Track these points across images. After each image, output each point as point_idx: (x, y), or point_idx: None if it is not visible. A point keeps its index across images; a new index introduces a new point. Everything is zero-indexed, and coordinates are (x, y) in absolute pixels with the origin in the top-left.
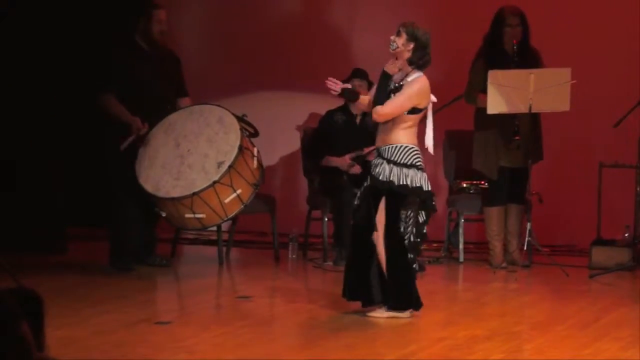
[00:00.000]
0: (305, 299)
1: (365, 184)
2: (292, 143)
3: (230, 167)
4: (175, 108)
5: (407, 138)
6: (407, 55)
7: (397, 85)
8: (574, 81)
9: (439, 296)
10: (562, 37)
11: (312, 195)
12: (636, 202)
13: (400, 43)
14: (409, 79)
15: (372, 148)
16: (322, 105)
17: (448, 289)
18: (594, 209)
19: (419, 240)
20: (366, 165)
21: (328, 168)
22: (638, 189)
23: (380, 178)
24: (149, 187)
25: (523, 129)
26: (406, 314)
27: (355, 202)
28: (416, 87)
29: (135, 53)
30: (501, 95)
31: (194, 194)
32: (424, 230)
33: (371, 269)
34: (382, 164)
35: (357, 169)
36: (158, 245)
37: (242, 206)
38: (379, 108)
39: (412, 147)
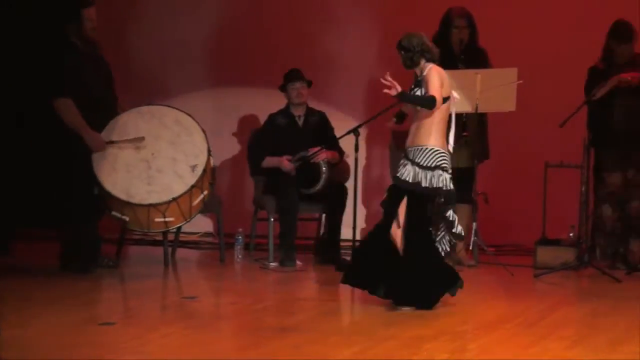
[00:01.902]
0: (251, 299)
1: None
2: (238, 143)
3: (204, 170)
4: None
5: (435, 140)
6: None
7: (412, 86)
8: (520, 81)
9: None
10: (508, 37)
11: (258, 196)
12: (581, 202)
13: (401, 60)
14: (424, 72)
15: (315, 149)
16: (269, 106)
17: None
18: (540, 208)
19: (454, 242)
20: (310, 167)
21: (274, 169)
22: (583, 188)
23: (403, 178)
24: (119, 193)
25: (470, 129)
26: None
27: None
28: (434, 71)
29: (78, 54)
30: None
31: (173, 199)
32: (457, 231)
33: (383, 264)
34: (406, 165)
35: (294, 170)
36: (102, 246)
37: (203, 206)
38: (435, 94)
39: (438, 150)
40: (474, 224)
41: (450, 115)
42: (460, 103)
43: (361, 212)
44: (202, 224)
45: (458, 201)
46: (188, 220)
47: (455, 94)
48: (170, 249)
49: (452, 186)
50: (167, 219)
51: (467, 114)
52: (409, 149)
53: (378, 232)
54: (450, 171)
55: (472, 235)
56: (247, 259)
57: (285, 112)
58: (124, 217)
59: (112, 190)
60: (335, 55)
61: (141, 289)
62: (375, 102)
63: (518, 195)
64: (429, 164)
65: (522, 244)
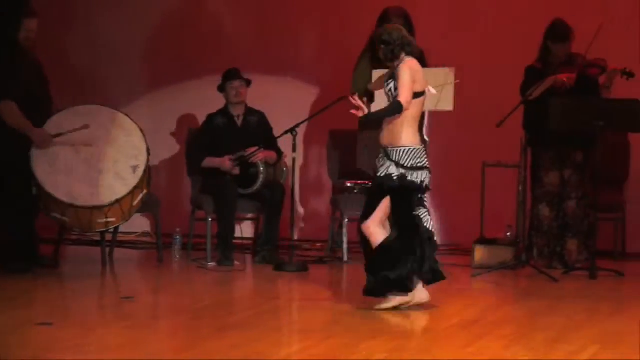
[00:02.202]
0: (189, 299)
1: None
2: (176, 143)
3: (145, 170)
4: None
5: (412, 138)
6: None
7: (387, 79)
8: (457, 81)
9: (324, 295)
10: (446, 37)
11: (196, 196)
12: (518, 201)
13: (381, 54)
14: (401, 66)
15: (253, 149)
16: (207, 106)
17: (332, 288)
18: (477, 208)
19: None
20: (248, 166)
21: (211, 168)
22: (520, 188)
23: (386, 175)
24: (62, 196)
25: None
26: (408, 296)
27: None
28: (406, 67)
29: (15, 57)
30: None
31: (116, 201)
32: (430, 227)
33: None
34: (389, 165)
35: (236, 170)
36: (39, 246)
37: (141, 205)
38: (401, 99)
39: (418, 149)
40: None
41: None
42: None
43: (299, 211)
44: (139, 224)
45: None
46: (128, 219)
47: (431, 89)
48: (107, 249)
49: (428, 183)
50: (108, 220)
51: None
52: (389, 149)
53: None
54: (429, 167)
55: None
56: (185, 258)
57: (224, 112)
58: (64, 218)
59: (55, 193)
60: (273, 55)
61: (79, 289)
62: (312, 102)
63: (456, 195)
64: (412, 164)
65: (460, 244)
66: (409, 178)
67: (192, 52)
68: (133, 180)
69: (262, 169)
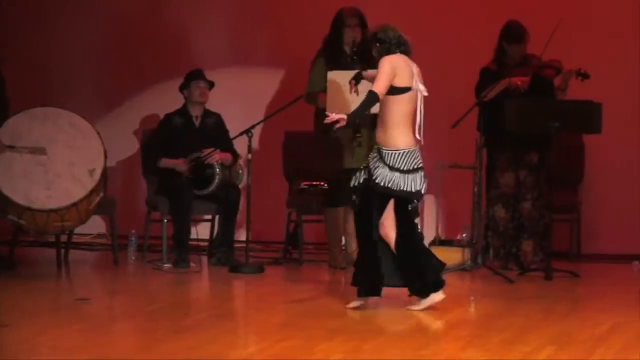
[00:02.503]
0: (144, 300)
1: (355, 183)
2: (132, 144)
3: (102, 174)
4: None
5: (405, 138)
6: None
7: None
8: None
9: (279, 297)
10: None
11: (151, 197)
12: (474, 202)
13: (375, 52)
14: (382, 59)
15: (209, 150)
16: (163, 106)
17: (288, 289)
18: (433, 209)
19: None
20: (204, 167)
21: (167, 169)
22: (476, 189)
23: (384, 184)
24: (19, 199)
25: (363, 130)
26: (440, 295)
27: (356, 203)
28: (386, 60)
29: None
30: (340, 96)
31: (73, 204)
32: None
33: (382, 263)
34: (384, 168)
35: (189, 171)
36: None
37: (98, 207)
38: (374, 89)
39: (413, 150)
40: None
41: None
42: (355, 102)
43: (254, 212)
44: (95, 225)
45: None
46: (84, 222)
47: (422, 88)
48: (63, 251)
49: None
50: (65, 223)
51: None
52: (383, 150)
53: (367, 240)
54: (423, 168)
55: None
56: (141, 260)
57: (183, 111)
58: (21, 221)
59: (12, 196)
60: (227, 56)
61: (34, 291)
62: (267, 103)
63: None
64: (408, 167)
65: None
66: (405, 188)
67: (147, 54)
68: (90, 183)
69: (218, 170)
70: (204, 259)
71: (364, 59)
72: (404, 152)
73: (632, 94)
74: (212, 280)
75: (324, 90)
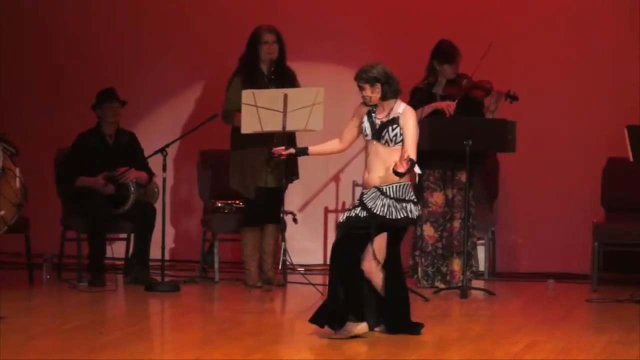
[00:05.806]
0: (60, 319)
1: (351, 214)
2: (46, 161)
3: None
4: None
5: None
6: (379, 95)
7: (384, 121)
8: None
9: (195, 316)
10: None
11: (67, 215)
12: None
13: (370, 93)
14: (400, 110)
15: (124, 169)
16: (78, 123)
17: (204, 308)
18: None
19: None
20: (119, 186)
21: (83, 188)
22: None
23: (389, 216)
24: None
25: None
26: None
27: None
28: (413, 115)
29: None
30: (256, 115)
31: None
32: None
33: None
34: (385, 201)
35: (110, 189)
36: None
37: (6, 227)
38: (414, 157)
39: (409, 184)
40: (283, 243)
41: None
42: (270, 122)
43: (169, 231)
44: (9, 244)
45: (267, 221)
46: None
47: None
48: None
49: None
50: None
51: (277, 134)
52: (384, 187)
53: (350, 266)
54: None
55: (282, 255)
56: (56, 279)
57: (96, 131)
58: None
59: None
60: (143, 75)
61: None
62: (183, 122)
63: (327, 214)
64: (409, 198)
65: None
66: (410, 215)
67: (62, 71)
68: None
69: (132, 189)
70: (120, 277)
71: (280, 79)
72: (403, 185)
73: (549, 114)
74: (127, 299)
75: (240, 110)
